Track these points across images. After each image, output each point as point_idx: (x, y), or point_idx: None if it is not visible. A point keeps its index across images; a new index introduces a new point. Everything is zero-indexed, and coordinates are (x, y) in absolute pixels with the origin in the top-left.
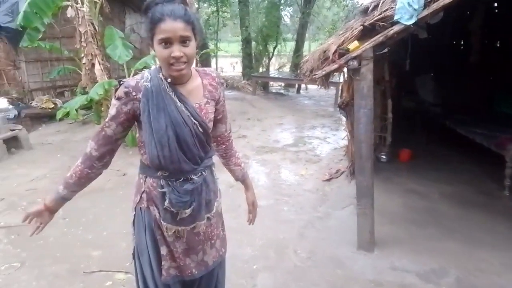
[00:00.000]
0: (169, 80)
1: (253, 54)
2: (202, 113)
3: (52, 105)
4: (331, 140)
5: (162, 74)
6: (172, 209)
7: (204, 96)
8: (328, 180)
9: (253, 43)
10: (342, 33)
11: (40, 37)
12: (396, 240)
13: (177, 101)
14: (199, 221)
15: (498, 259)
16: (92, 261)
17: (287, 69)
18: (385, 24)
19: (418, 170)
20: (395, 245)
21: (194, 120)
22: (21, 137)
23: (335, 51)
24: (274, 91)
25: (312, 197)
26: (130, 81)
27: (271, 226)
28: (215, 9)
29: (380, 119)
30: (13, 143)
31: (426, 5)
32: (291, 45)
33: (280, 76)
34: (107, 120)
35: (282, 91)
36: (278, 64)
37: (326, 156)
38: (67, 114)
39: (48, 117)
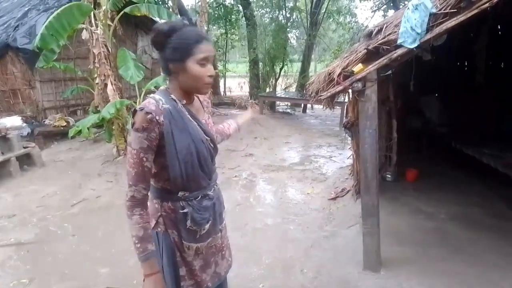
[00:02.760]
0: (184, 101)
1: (260, 75)
2: (209, 127)
3: (65, 123)
4: (337, 159)
5: (172, 96)
6: (194, 227)
7: (205, 111)
8: (334, 199)
9: (261, 64)
10: (346, 56)
11: (55, 58)
12: (403, 260)
13: (192, 119)
14: (215, 235)
15: (508, 281)
16: (100, 278)
17: (293, 89)
18: (389, 47)
19: (424, 190)
20: (402, 266)
21: (206, 136)
22: (33, 154)
23: (340, 73)
24: (280, 110)
25: (319, 216)
26: (149, 105)
27: (277, 245)
28: (224, 31)
29: (385, 139)
30: (26, 160)
31: (429, 29)
32: (297, 66)
33: (287, 96)
34: (141, 156)
35: (288, 111)
36: (284, 84)
37: (332, 175)
38: (79, 132)
39: (60, 135)
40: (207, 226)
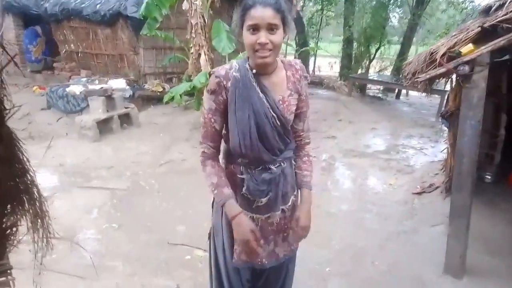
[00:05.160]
0: (254, 71)
1: (354, 55)
2: (285, 105)
3: (161, 89)
4: (428, 152)
5: (248, 64)
6: (249, 196)
7: (287, 88)
8: (419, 193)
9: (355, 43)
10: (455, 35)
11: (157, 26)
12: (491, 271)
13: (260, 92)
14: (274, 212)
15: None
16: (177, 234)
17: (388, 72)
18: (510, 26)
19: None
20: (488, 277)
21: (272, 113)
22: (132, 115)
23: (444, 54)
24: (371, 94)
25: (399, 209)
26: (220, 70)
27: (350, 232)
28: (320, 7)
29: (490, 135)
30: (125, 119)
31: None
32: (395, 48)
33: (380, 79)
34: (210, 116)
35: (380, 95)
36: (379, 67)
37: (420, 168)
38: (172, 98)
39: (156, 99)
40: (264, 199)
